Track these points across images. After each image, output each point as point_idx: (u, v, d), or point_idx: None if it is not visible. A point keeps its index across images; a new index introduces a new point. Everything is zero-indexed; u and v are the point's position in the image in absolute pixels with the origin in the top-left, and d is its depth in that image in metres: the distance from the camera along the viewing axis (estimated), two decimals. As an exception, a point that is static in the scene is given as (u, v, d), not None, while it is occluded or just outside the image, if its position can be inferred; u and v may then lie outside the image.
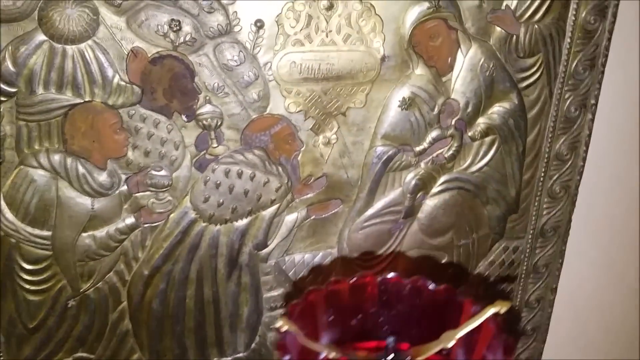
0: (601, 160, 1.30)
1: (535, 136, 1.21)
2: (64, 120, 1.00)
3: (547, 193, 1.28)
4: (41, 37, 0.93)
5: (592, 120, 1.22)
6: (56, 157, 1.03)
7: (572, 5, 1.10)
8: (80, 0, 0.92)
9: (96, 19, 0.94)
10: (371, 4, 1.02)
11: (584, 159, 1.26)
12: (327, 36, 1.03)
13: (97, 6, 0.93)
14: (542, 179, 1.26)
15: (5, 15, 0.91)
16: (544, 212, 1.30)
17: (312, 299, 0.96)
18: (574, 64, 1.15)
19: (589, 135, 1.23)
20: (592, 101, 1.20)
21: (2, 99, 0.96)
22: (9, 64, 0.94)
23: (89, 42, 0.95)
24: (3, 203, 1.03)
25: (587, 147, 1.24)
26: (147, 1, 0.94)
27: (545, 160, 1.24)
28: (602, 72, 1.17)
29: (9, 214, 1.04)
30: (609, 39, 1.14)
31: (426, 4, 1.03)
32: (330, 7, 1.01)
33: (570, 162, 1.25)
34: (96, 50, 0.96)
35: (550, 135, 1.22)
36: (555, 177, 1.26)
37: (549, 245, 1.34)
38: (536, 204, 1.29)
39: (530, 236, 1.32)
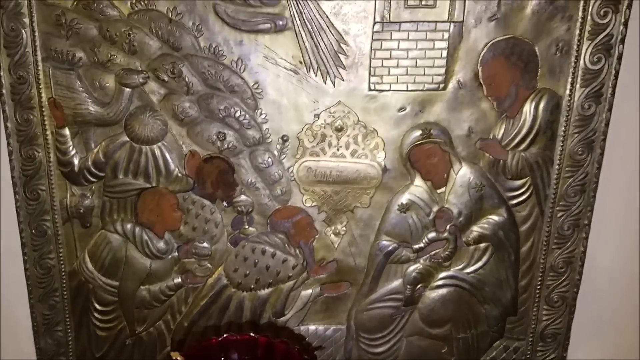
0: (599, 276, 1.38)
1: (529, 248, 1.34)
2: (137, 198, 1.33)
3: (545, 301, 1.38)
4: (125, 138, 1.28)
5: (586, 238, 1.32)
6: (128, 226, 1.35)
7: (560, 138, 1.24)
8: (155, 114, 1.26)
9: (165, 128, 1.27)
10: (374, 129, 1.26)
11: (580, 273, 1.35)
12: (337, 150, 1.28)
13: (166, 119, 1.26)
14: (539, 287, 1.37)
15: (102, 121, 1.27)
16: (543, 318, 1.39)
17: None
18: (564, 187, 1.28)
19: (584, 252, 1.33)
20: (585, 222, 1.30)
21: (94, 180, 1.31)
22: (100, 156, 1.29)
23: (159, 144, 1.28)
24: (87, 256, 1.37)
25: (583, 262, 1.34)
26: (202, 118, 1.26)
27: (541, 270, 1.35)
28: (594, 197, 1.28)
29: (90, 265, 1.37)
30: (599, 168, 1.26)
31: (419, 132, 1.24)
32: (340, 129, 1.26)
33: (566, 275, 1.35)
34: (163, 150, 1.29)
35: (544, 249, 1.33)
36: (552, 287, 1.36)
37: (550, 350, 1.42)
38: (535, 309, 1.39)
39: (530, 339, 1.42)
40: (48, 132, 1.27)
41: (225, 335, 1.24)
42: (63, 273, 1.38)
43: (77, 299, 1.41)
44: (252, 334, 1.24)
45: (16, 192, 1.31)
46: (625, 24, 1.15)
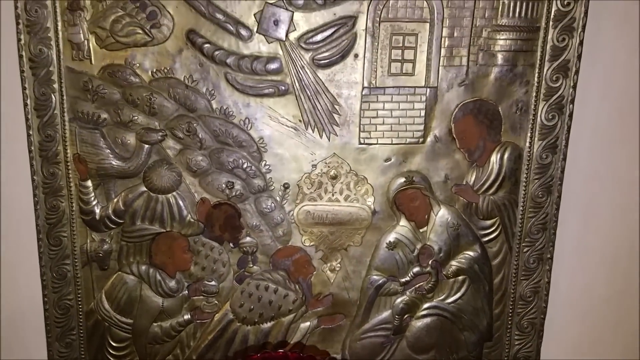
0: (562, 303, 1.57)
1: (501, 279, 1.52)
2: (152, 242, 1.47)
3: (517, 327, 1.55)
4: (143, 188, 1.43)
5: (549, 270, 1.51)
6: (143, 267, 1.49)
7: (522, 183, 1.45)
8: (171, 167, 1.42)
9: (180, 179, 1.43)
10: (364, 176, 1.44)
11: (546, 302, 1.53)
12: (332, 196, 1.45)
13: (181, 171, 1.42)
14: (510, 314, 1.54)
15: (123, 174, 1.42)
16: (516, 343, 1.57)
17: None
18: (528, 226, 1.48)
19: (548, 282, 1.52)
20: (548, 255, 1.50)
21: (114, 227, 1.45)
22: (120, 205, 1.44)
23: (174, 193, 1.44)
24: (104, 297, 1.50)
25: (548, 292, 1.52)
26: (213, 169, 1.42)
27: (512, 299, 1.53)
28: (554, 234, 1.48)
29: (106, 304, 1.50)
30: (557, 209, 1.46)
31: (403, 179, 1.44)
32: (335, 177, 1.44)
33: (534, 303, 1.53)
34: (177, 198, 1.44)
35: (513, 280, 1.52)
36: (522, 314, 1.54)
37: (523, 373, 1.59)
38: (508, 335, 1.56)
39: (505, 363, 1.59)
40: (72, 184, 1.41)
41: (262, 352, 1.43)
42: (80, 313, 1.50)
43: (92, 336, 1.52)
44: (282, 351, 1.42)
45: (39, 239, 1.44)
46: (574, 87, 1.37)
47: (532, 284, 1.52)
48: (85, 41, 1.32)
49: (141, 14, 1.30)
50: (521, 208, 1.46)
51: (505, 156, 1.42)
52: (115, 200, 1.44)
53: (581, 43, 1.34)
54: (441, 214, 1.46)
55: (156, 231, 1.46)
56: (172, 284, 1.50)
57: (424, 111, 1.39)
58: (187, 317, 1.52)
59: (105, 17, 1.31)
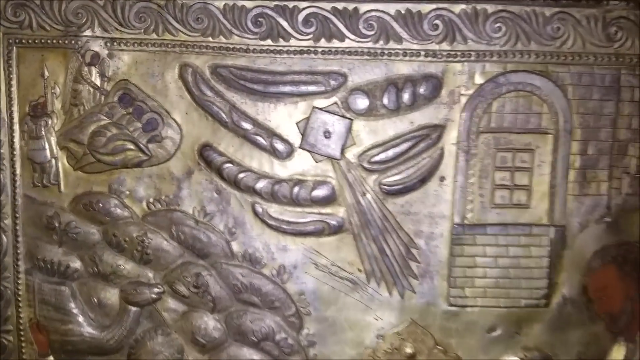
0: None
1: None
2: None
3: None
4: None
5: None
6: None
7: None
8: (168, 339, 1.06)
9: (180, 357, 1.07)
10: (457, 355, 1.08)
11: None
12: (409, 384, 1.07)
13: (182, 344, 1.07)
14: None
15: (99, 349, 1.09)
16: None
17: None
18: None
19: None
20: None
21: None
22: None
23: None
24: None
25: None
26: (231, 342, 1.07)
27: None
28: None
29: None
30: None
31: (516, 360, 1.08)
32: (412, 356, 1.09)
33: None
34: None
35: None
36: None
37: None
38: None
39: None
40: (26, 364, 1.12)
41: None
42: None
43: None
44: None
45: None
46: None
47: None
48: (53, 160, 1.08)
49: (135, 122, 1.09)
50: None
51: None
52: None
53: None
54: None
55: None
56: None
57: (547, 260, 1.08)
58: None
59: (82, 127, 1.05)
